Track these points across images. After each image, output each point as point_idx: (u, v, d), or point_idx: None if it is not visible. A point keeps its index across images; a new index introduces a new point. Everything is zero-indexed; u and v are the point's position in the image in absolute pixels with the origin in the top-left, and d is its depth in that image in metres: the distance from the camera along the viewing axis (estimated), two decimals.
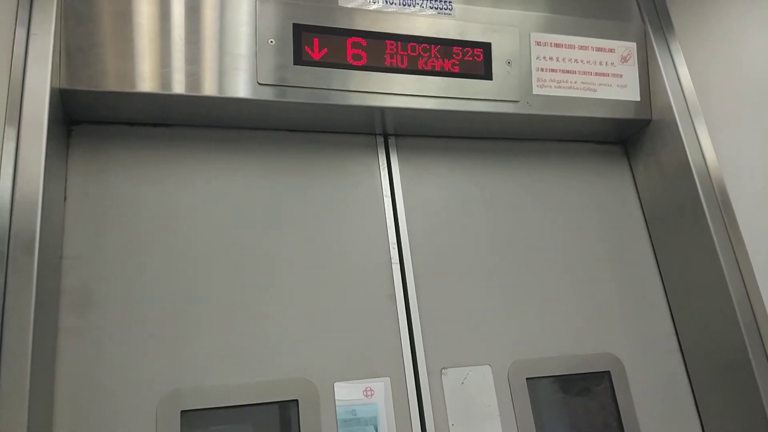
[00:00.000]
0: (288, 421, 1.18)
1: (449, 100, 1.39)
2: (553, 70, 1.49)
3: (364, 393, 1.23)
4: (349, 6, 1.35)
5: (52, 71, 1.10)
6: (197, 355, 1.17)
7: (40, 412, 0.99)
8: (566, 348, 1.41)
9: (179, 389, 1.14)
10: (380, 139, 1.49)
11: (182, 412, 1.12)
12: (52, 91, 1.09)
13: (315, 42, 1.30)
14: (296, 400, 1.19)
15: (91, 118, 1.27)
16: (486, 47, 1.43)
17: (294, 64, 1.28)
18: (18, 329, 0.93)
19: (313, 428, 1.17)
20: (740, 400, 1.32)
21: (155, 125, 1.33)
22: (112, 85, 1.18)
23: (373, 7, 1.38)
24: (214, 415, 1.15)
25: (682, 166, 1.48)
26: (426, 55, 1.38)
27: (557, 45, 1.51)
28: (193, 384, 1.15)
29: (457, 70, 1.40)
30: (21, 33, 1.10)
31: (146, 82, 1.20)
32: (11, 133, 1.03)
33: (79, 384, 1.10)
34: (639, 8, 1.63)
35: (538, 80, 1.47)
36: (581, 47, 1.54)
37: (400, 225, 1.41)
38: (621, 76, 1.56)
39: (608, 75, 1.55)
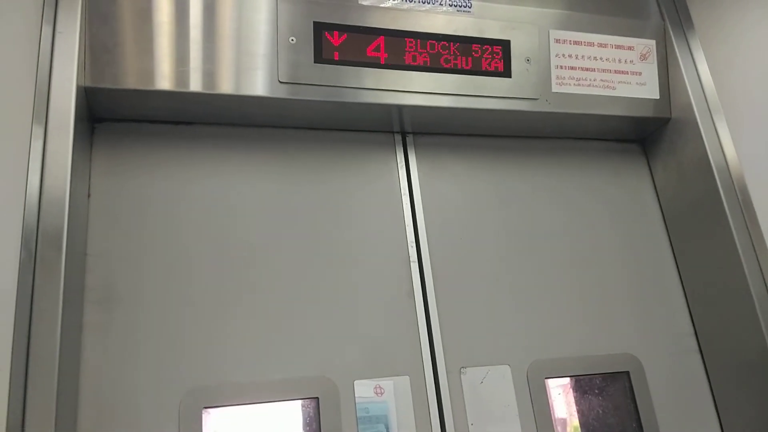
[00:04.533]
0: (309, 419, 1.19)
1: (468, 97, 1.39)
2: (572, 68, 1.49)
3: (375, 391, 1.23)
4: (369, 4, 1.35)
5: (78, 69, 1.11)
6: (219, 353, 1.18)
7: (66, 407, 1.00)
8: (585, 348, 1.40)
9: (201, 386, 1.14)
10: (398, 137, 1.49)
11: (204, 408, 1.13)
12: (78, 89, 1.10)
13: (335, 40, 1.30)
14: (317, 398, 1.19)
15: (114, 116, 1.28)
16: (505, 45, 1.43)
17: (314, 62, 1.29)
18: (46, 325, 0.94)
19: (334, 425, 1.18)
20: (760, 401, 1.31)
21: (176, 123, 1.33)
22: (133, 83, 1.19)
23: (392, 4, 1.38)
24: (236, 412, 1.16)
25: (701, 165, 1.47)
26: (445, 52, 1.38)
27: (576, 42, 1.51)
28: (216, 381, 1.16)
29: (476, 67, 1.40)
30: (47, 31, 1.11)
31: (166, 80, 1.20)
32: (38, 131, 1.04)
33: (103, 380, 1.10)
34: (658, 5, 1.62)
35: (557, 78, 1.47)
36: (600, 45, 1.53)
37: (418, 223, 1.41)
38: (640, 73, 1.55)
39: (627, 73, 1.54)
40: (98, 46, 1.17)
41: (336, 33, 1.31)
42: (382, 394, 1.23)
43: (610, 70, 1.52)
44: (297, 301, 1.27)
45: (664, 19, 1.60)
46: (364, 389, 1.22)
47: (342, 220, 1.37)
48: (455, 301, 1.36)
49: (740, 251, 1.36)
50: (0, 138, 1.04)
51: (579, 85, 1.49)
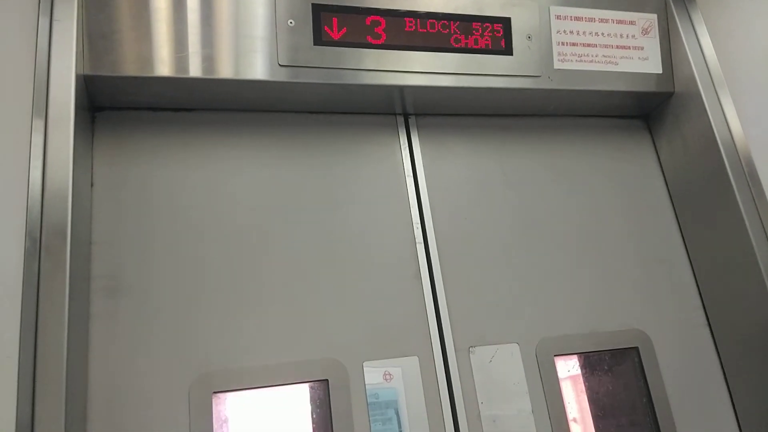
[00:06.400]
0: (319, 401, 1.19)
1: (470, 76, 1.38)
2: (573, 44, 1.47)
3: (384, 377, 1.23)
4: None
5: (77, 57, 1.10)
6: (228, 338, 1.18)
7: (76, 396, 1.00)
8: (593, 325, 1.40)
9: (210, 371, 1.15)
10: (401, 119, 1.48)
11: (214, 393, 1.13)
12: (77, 77, 1.09)
13: (334, 22, 1.29)
14: (326, 380, 1.19)
15: (114, 104, 1.27)
16: (506, 22, 1.41)
17: (314, 44, 1.27)
18: (53, 314, 0.94)
19: (345, 407, 1.18)
20: None
21: (176, 110, 1.33)
22: (132, 69, 1.18)
23: None
24: (246, 396, 1.16)
25: (706, 139, 1.46)
26: (445, 31, 1.36)
27: (577, 18, 1.49)
28: (224, 366, 1.16)
29: (477, 46, 1.38)
30: (44, 22, 1.10)
31: (165, 66, 1.20)
32: (39, 121, 1.03)
33: (111, 368, 1.11)
34: None
35: (559, 54, 1.46)
36: (601, 20, 1.51)
37: (423, 204, 1.41)
38: (642, 48, 1.54)
39: (629, 48, 1.52)
40: (96, 33, 1.16)
41: (335, 14, 1.29)
42: (391, 379, 1.23)
43: (611, 46, 1.51)
44: (303, 285, 1.26)
45: None
46: (373, 375, 1.22)
47: (346, 204, 1.36)
48: (462, 281, 1.36)
49: (747, 224, 1.36)
50: (0, 129, 1.03)
51: (581, 61, 1.47)
